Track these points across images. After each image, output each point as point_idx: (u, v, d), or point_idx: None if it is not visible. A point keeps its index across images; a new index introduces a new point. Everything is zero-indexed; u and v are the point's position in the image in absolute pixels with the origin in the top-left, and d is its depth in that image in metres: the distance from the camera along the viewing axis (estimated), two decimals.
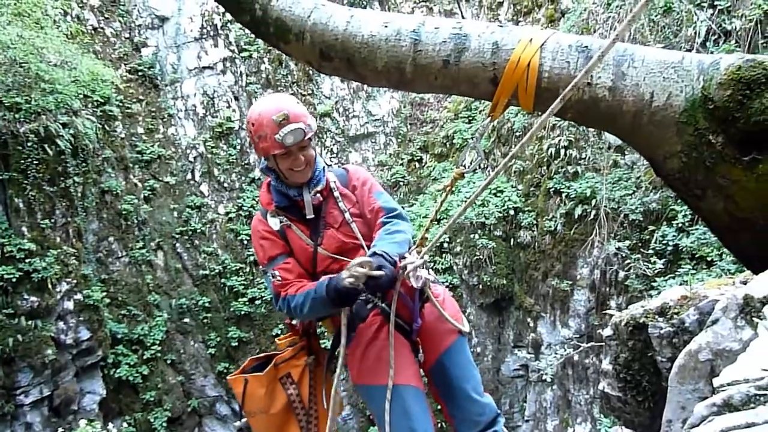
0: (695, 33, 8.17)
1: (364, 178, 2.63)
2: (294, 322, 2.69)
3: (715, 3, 8.07)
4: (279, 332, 10.97)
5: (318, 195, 2.48)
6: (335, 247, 2.46)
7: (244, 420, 2.65)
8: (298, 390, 2.57)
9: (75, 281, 9.42)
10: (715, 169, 1.96)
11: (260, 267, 2.45)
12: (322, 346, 2.70)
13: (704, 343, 1.82)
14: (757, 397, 1.29)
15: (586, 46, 2.07)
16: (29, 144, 8.91)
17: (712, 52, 7.42)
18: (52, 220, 9.28)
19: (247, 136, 2.58)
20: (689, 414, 1.83)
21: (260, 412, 2.55)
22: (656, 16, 8.54)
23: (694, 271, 7.50)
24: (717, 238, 2.28)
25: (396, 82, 2.36)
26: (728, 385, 1.40)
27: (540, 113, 2.07)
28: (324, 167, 2.54)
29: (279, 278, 2.41)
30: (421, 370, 2.50)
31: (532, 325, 10.35)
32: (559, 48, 2.08)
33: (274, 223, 2.48)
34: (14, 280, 8.51)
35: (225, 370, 11.75)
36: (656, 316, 2.76)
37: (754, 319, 1.65)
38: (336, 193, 2.54)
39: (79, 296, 9.47)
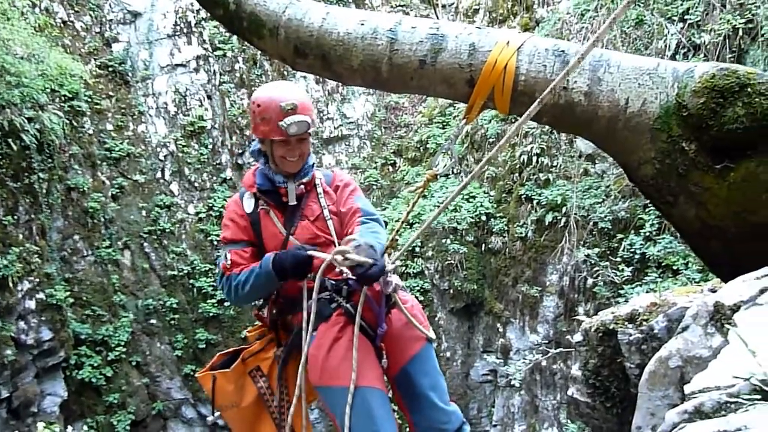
0: (666, 46, 8.35)
1: (348, 180, 2.69)
2: (262, 313, 2.66)
3: (686, 17, 8.26)
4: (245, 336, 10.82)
5: (302, 186, 2.52)
6: (307, 238, 2.47)
7: (217, 414, 2.62)
8: (268, 383, 2.54)
9: (38, 280, 9.14)
10: (688, 176, 1.98)
11: (219, 243, 2.54)
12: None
13: (674, 350, 1.82)
14: (729, 405, 1.29)
15: (563, 51, 2.07)
16: None
17: None
18: (15, 217, 8.98)
19: (249, 114, 2.54)
20: (659, 420, 1.83)
21: (231, 406, 2.54)
22: (628, 27, 8.70)
23: (660, 279, 7.64)
24: (688, 244, 2.30)
25: (372, 81, 2.33)
26: (699, 392, 1.39)
27: (515, 117, 2.06)
28: (313, 164, 2.60)
29: (229, 261, 2.45)
30: (385, 377, 2.44)
31: (501, 330, 10.41)
32: (536, 51, 2.08)
33: (249, 204, 2.52)
34: None
35: (191, 373, 11.52)
36: (626, 323, 2.78)
37: (724, 326, 1.66)
38: (319, 189, 2.58)
39: (41, 295, 9.18)
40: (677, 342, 1.84)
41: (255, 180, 2.55)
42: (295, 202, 2.51)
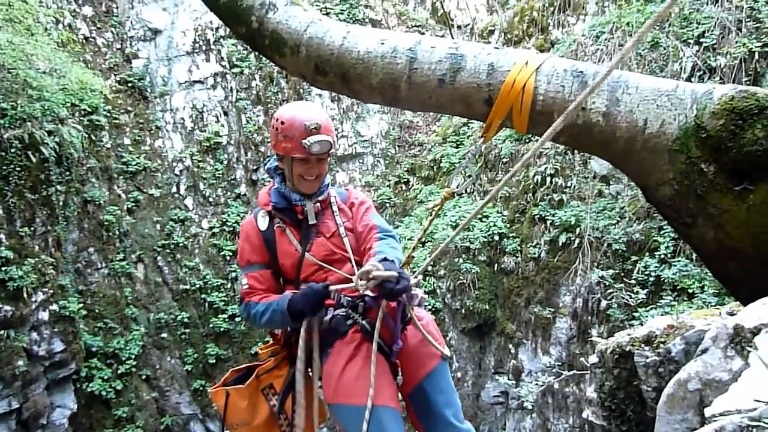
0: (681, 68, 8.35)
1: (363, 198, 2.71)
2: (276, 331, 2.66)
3: (701, 40, 8.26)
4: (257, 351, 10.80)
5: (318, 204, 2.54)
6: (323, 255, 2.48)
7: None
8: (281, 401, 2.50)
9: (51, 291, 9.21)
10: (707, 197, 1.97)
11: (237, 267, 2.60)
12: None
13: (693, 373, 1.80)
14: (750, 429, 1.27)
15: (581, 71, 2.08)
16: (12, 150, 8.77)
17: None
18: (32, 229, 9.10)
19: (270, 132, 2.54)
20: None
21: (243, 425, 2.50)
22: (643, 50, 8.72)
23: (675, 303, 7.53)
24: (706, 266, 2.28)
25: (390, 99, 2.36)
26: (720, 415, 1.38)
27: (533, 136, 2.07)
28: (329, 183, 2.63)
29: (246, 286, 2.48)
30: (399, 394, 2.43)
31: (513, 351, 10.30)
32: (555, 72, 2.09)
33: (263, 222, 2.54)
34: None
35: (201, 388, 11.51)
36: (642, 345, 2.75)
37: (745, 349, 1.64)
38: (335, 207, 2.60)
39: (54, 307, 9.25)
40: (696, 365, 1.82)
41: (270, 198, 2.57)
42: (315, 221, 2.53)
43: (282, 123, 2.40)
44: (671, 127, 1.99)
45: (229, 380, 2.61)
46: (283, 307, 2.34)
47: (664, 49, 8.49)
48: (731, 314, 2.41)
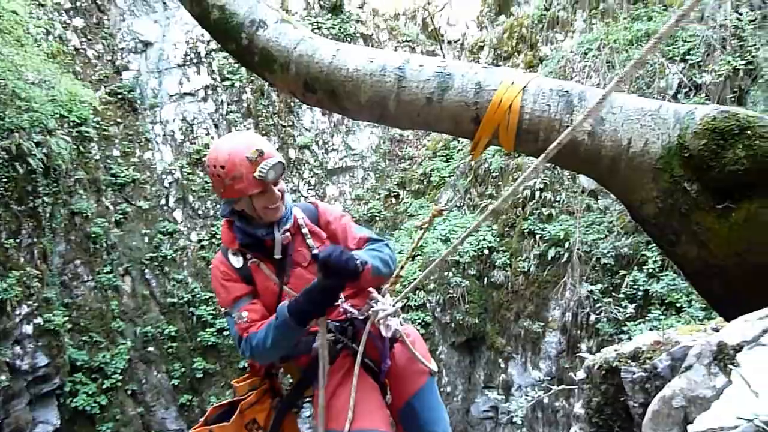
0: (667, 85, 8.48)
1: (338, 213, 2.58)
2: (258, 363, 2.57)
3: (687, 57, 8.40)
4: (246, 365, 10.73)
5: (287, 234, 2.38)
6: (303, 286, 2.31)
7: None
8: None
9: (36, 304, 9.10)
10: (690, 216, 1.99)
11: (223, 310, 2.51)
12: (285, 387, 2.60)
13: (678, 390, 1.81)
14: None
15: (567, 91, 2.11)
16: None
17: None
18: (18, 240, 9.01)
19: (213, 181, 2.31)
20: None
21: None
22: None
23: (663, 317, 7.59)
24: (690, 283, 2.31)
25: (379, 116, 2.37)
26: None
27: (520, 154, 2.09)
28: (291, 202, 2.45)
29: (245, 319, 2.28)
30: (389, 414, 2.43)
31: (503, 365, 10.30)
32: (541, 91, 2.12)
33: (237, 261, 2.36)
34: None
35: (188, 403, 11.39)
36: (629, 361, 2.76)
37: (728, 366, 1.65)
38: (304, 230, 2.44)
39: (39, 320, 9.13)
40: (680, 381, 1.83)
41: (235, 236, 2.38)
42: (280, 256, 2.37)
43: (222, 167, 2.20)
44: (655, 146, 2.02)
45: (210, 418, 2.50)
46: (284, 313, 2.16)
47: (651, 66, 8.62)
48: (716, 330, 2.44)
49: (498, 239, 10.56)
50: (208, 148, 12.46)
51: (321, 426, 2.31)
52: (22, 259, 9.07)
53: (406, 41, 14.17)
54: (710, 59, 8.23)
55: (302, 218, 2.46)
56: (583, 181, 9.44)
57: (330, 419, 2.30)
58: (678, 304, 7.65)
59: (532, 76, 2.16)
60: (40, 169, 9.26)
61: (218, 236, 12.06)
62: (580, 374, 3.12)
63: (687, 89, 8.30)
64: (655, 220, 2.09)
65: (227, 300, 2.35)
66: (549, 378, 9.47)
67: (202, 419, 2.51)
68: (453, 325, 10.56)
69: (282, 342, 2.23)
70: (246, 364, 2.72)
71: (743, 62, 7.79)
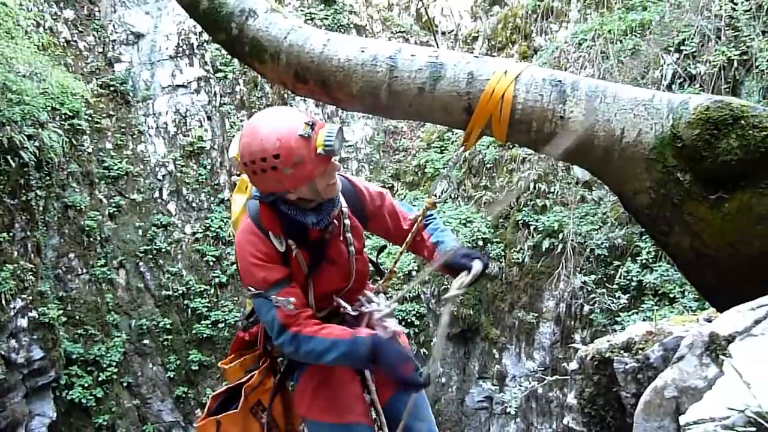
0: (662, 76, 8.47)
1: (380, 192, 2.44)
2: (250, 331, 2.52)
3: (681, 48, 8.39)
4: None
5: (334, 222, 2.21)
6: (328, 281, 2.26)
7: None
8: (271, 416, 2.38)
9: (30, 298, 9.08)
10: (683, 206, 1.99)
11: (250, 289, 2.11)
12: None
13: (670, 380, 1.82)
14: None
15: (560, 81, 2.10)
16: None
17: None
18: (11, 234, 8.97)
19: (264, 178, 1.99)
20: None
21: None
22: (624, 57, 8.83)
23: (657, 307, 7.63)
24: (682, 274, 2.31)
25: (370, 107, 2.36)
26: (695, 423, 1.39)
27: (513, 145, 2.08)
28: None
29: (293, 307, 2.05)
30: (377, 411, 2.38)
31: (497, 356, 10.34)
32: (533, 81, 2.11)
33: (280, 245, 2.13)
34: None
35: (183, 395, 11.39)
36: (621, 351, 2.76)
37: (719, 356, 1.65)
38: (346, 220, 2.28)
39: (34, 313, 9.11)
40: (672, 372, 1.84)
41: (279, 222, 2.15)
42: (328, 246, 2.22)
43: (277, 157, 1.91)
44: (648, 137, 2.01)
45: (212, 408, 2.41)
46: (361, 352, 1.99)
47: (645, 56, 8.60)
48: (709, 320, 2.44)
49: (492, 230, 10.56)
50: (202, 140, 12.49)
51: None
52: (15, 253, 9.03)
53: (400, 32, 14.10)
54: (705, 49, 8.21)
55: (346, 207, 2.29)
56: (578, 172, 9.44)
57: (313, 409, 2.30)
58: (671, 295, 7.68)
59: (524, 65, 2.15)
60: (33, 163, 9.20)
61: (212, 229, 12.06)
62: (573, 365, 3.13)
63: (681, 80, 8.29)
64: (648, 210, 2.09)
65: (264, 282, 2.10)
66: (543, 368, 9.51)
67: (204, 412, 2.42)
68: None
69: (338, 363, 2.11)
70: (221, 365, 2.57)
71: (738, 53, 7.78)
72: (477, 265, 2.10)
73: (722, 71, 7.81)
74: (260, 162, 1.94)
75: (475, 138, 2.17)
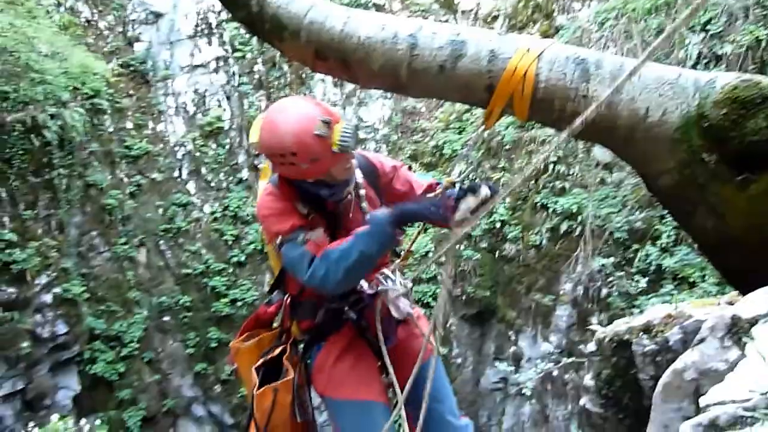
0: (687, 56, 8.27)
1: (394, 165, 2.47)
2: (268, 309, 2.52)
3: (707, 27, 8.18)
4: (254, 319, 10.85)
5: (349, 196, 2.29)
6: None
7: None
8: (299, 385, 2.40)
9: (55, 274, 9.28)
10: (707, 187, 1.96)
11: (276, 242, 2.15)
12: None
13: (690, 362, 1.81)
14: (744, 419, 1.27)
15: (584, 59, 2.06)
16: (15, 134, 8.79)
17: None
18: (35, 212, 9.14)
19: (284, 168, 2.12)
20: None
21: (281, 424, 2.31)
22: (649, 37, 8.63)
23: (676, 291, 7.55)
24: (705, 256, 2.28)
25: (390, 85, 2.34)
26: (715, 405, 1.38)
27: (536, 124, 2.06)
28: None
29: (319, 239, 2.13)
30: (395, 391, 2.36)
31: (513, 338, 10.35)
32: (556, 59, 2.07)
33: (303, 208, 2.21)
34: None
35: (202, 371, 11.60)
36: (640, 334, 2.75)
37: (742, 339, 1.64)
38: (362, 192, 2.34)
39: (58, 290, 9.32)
40: (693, 354, 1.82)
41: (297, 194, 2.24)
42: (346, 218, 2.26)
43: (294, 154, 2.01)
44: (673, 116, 1.97)
45: (259, 378, 2.38)
46: (379, 217, 1.98)
47: (670, 36, 8.40)
48: (730, 304, 2.42)
49: (510, 212, 10.51)
50: (220, 120, 12.54)
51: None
52: (39, 230, 9.22)
53: (420, 11, 13.92)
54: (732, 29, 7.99)
55: (362, 179, 2.35)
56: (598, 153, 9.31)
57: (330, 387, 2.31)
58: (691, 280, 7.59)
59: (547, 43, 2.11)
60: (55, 142, 9.34)
61: (231, 208, 12.15)
62: (591, 347, 3.13)
63: (707, 60, 8.10)
64: (672, 191, 2.06)
65: (286, 227, 2.15)
66: (559, 351, 9.51)
67: (257, 383, 2.36)
68: (464, 297, 10.60)
69: (367, 257, 2.03)
70: (234, 344, 2.57)
71: (766, 32, 7.56)
72: (484, 190, 2.07)
73: (750, 51, 7.61)
74: (279, 156, 2.07)
75: (496, 117, 2.15)
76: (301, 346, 2.46)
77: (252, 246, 12.18)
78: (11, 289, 8.58)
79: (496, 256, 10.54)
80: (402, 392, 2.26)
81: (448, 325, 10.78)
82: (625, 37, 9.00)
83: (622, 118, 2.01)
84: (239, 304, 11.75)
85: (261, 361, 2.44)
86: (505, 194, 2.06)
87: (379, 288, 2.33)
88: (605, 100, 1.86)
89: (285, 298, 2.50)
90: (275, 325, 2.59)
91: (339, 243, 2.07)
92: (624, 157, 2.24)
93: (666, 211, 8.14)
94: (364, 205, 2.32)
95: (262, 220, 2.26)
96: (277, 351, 2.43)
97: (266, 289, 12.10)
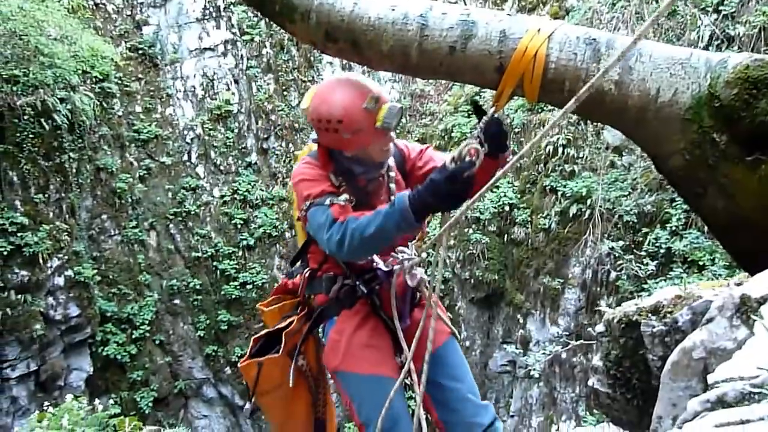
0: (699, 37, 8.17)
1: (420, 147, 2.52)
2: (293, 280, 2.57)
3: (720, 8, 8.06)
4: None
5: (381, 178, 2.33)
6: None
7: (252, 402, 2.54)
8: (306, 359, 2.47)
9: (66, 257, 9.38)
10: (718, 168, 1.95)
11: (304, 207, 2.19)
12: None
13: (699, 341, 1.82)
14: (752, 395, 1.29)
15: (594, 39, 2.05)
16: (26, 117, 8.83)
17: None
18: (46, 195, 9.22)
19: (326, 136, 2.20)
20: (680, 411, 1.83)
21: (275, 389, 2.44)
22: (660, 18, 8.52)
23: (685, 275, 7.53)
24: (716, 237, 2.28)
25: (401, 66, 2.33)
26: (723, 382, 1.40)
27: (546, 106, 2.05)
28: None
29: (344, 202, 2.16)
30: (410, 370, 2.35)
31: (521, 321, 10.39)
32: (567, 39, 2.06)
33: (335, 179, 2.26)
34: (5, 253, 8.47)
35: (213, 353, 11.75)
36: (649, 315, 2.76)
37: (750, 318, 1.65)
38: (391, 173, 2.38)
39: (69, 272, 9.43)
40: (702, 333, 1.84)
41: (332, 165, 2.29)
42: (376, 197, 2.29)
43: (340, 122, 2.12)
44: (684, 96, 1.96)
45: (253, 350, 2.50)
46: (402, 201, 1.96)
47: (682, 17, 8.30)
48: (739, 285, 2.42)
49: (519, 196, 10.49)
50: (229, 103, 12.53)
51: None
52: (51, 214, 9.30)
53: None
54: (744, 10, 7.88)
55: (393, 164, 2.40)
56: (608, 137, 9.26)
57: (345, 362, 2.33)
58: (701, 263, 7.57)
59: (558, 23, 2.10)
60: (65, 125, 9.38)
61: (240, 192, 12.20)
62: (600, 327, 3.14)
63: (719, 41, 8.00)
64: (682, 172, 2.05)
65: (316, 191, 2.20)
66: (567, 334, 9.53)
67: (247, 353, 2.49)
68: (472, 281, 10.63)
69: (384, 234, 2.03)
70: (260, 306, 2.66)
71: None
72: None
73: (762, 32, 7.51)
74: (325, 122, 2.16)
75: (506, 98, 2.14)
76: (315, 317, 2.49)
77: (261, 230, 12.25)
78: (24, 272, 8.70)
79: (505, 239, 10.55)
80: (417, 371, 2.26)
81: (456, 308, 10.83)
82: (637, 19, 8.89)
83: (632, 99, 2.00)
84: (249, 287, 11.86)
85: (264, 332, 2.53)
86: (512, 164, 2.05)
87: (395, 267, 2.35)
88: (599, 76, 1.85)
89: (305, 271, 2.53)
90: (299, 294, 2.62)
91: (362, 214, 2.11)
92: (634, 138, 2.23)
93: (676, 195, 8.10)
94: (393, 186, 2.36)
95: (294, 186, 2.32)
96: (285, 323, 2.48)
97: (276, 272, 12.21)
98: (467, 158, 1.98)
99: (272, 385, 2.43)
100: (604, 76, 1.95)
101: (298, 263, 2.62)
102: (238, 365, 2.54)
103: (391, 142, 2.27)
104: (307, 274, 2.51)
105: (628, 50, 1.69)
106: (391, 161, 2.39)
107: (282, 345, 2.41)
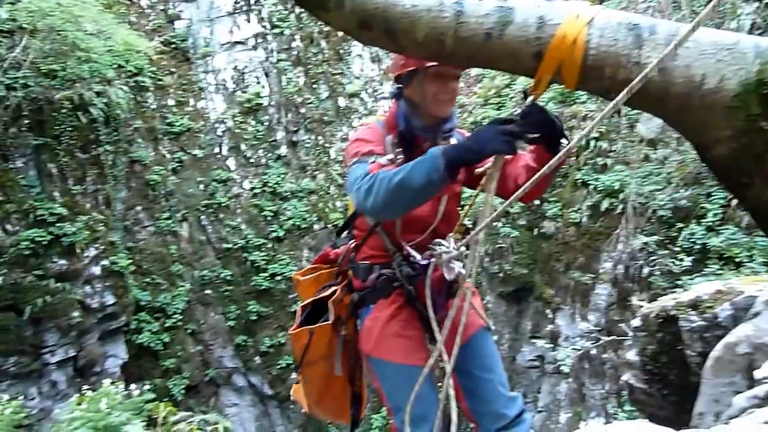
0: (738, 26, 7.93)
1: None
2: (336, 251, 2.59)
3: None
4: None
5: (441, 141, 2.28)
6: (427, 214, 2.33)
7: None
8: (347, 330, 2.49)
9: (102, 247, 9.60)
10: (765, 157, 1.88)
11: (349, 163, 2.24)
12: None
13: (743, 336, 1.77)
14: None
15: (636, 24, 1.99)
16: (63, 111, 9.04)
17: None
18: (83, 187, 9.44)
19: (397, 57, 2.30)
20: (723, 407, 1.78)
21: (321, 358, 2.46)
22: (699, 7, 8.30)
23: (721, 271, 7.34)
24: (761, 228, 2.20)
25: (435, 54, 2.30)
26: None
27: (577, 98, 2.01)
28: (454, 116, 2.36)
29: (384, 161, 2.17)
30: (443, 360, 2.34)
31: (550, 316, 10.27)
32: (608, 24, 2.00)
33: (391, 148, 2.27)
34: (45, 243, 8.69)
35: (243, 343, 11.91)
36: (688, 310, 2.69)
37: None
38: (452, 140, 2.35)
39: (105, 262, 9.65)
40: (746, 328, 1.78)
41: (397, 122, 2.31)
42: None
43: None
44: (731, 83, 1.89)
45: (301, 318, 2.53)
46: (434, 152, 1.95)
47: (721, 6, 8.06)
48: None
49: (549, 190, 10.34)
50: (259, 96, 12.64)
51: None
52: (88, 205, 9.53)
53: None
54: None
55: (455, 136, 2.39)
56: (642, 129, 9.06)
57: (378, 348, 2.35)
58: (738, 259, 7.36)
59: (598, 8, 2.04)
60: (101, 119, 9.57)
61: (269, 184, 12.30)
62: (635, 322, 3.08)
63: (760, 31, 7.75)
64: (727, 161, 1.98)
65: (364, 150, 2.23)
66: (597, 329, 9.40)
67: (296, 322, 2.53)
68: (501, 275, 10.55)
69: (410, 184, 1.96)
70: (296, 276, 2.70)
71: None
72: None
73: None
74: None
75: (544, 86, 2.09)
76: (356, 302, 2.49)
77: (290, 222, 12.35)
78: (62, 261, 8.93)
79: (535, 233, 10.43)
80: (449, 361, 2.24)
81: (485, 302, 10.76)
82: (674, 8, 8.67)
83: (676, 86, 1.94)
84: (278, 278, 11.97)
85: (310, 299, 2.54)
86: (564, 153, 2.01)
87: (431, 259, 2.33)
88: (655, 66, 1.80)
89: (350, 243, 2.55)
90: (340, 264, 2.65)
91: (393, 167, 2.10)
92: (677, 126, 2.16)
93: (713, 189, 7.89)
94: None
95: (349, 146, 2.33)
96: (328, 292, 2.50)
97: (304, 264, 12.31)
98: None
99: (318, 355, 2.46)
100: (660, 64, 1.89)
101: (344, 234, 2.64)
102: (288, 332, 2.56)
103: (449, 91, 2.27)
104: (352, 245, 2.53)
105: (686, 38, 1.63)
106: (456, 136, 2.38)
107: (331, 314, 2.44)
